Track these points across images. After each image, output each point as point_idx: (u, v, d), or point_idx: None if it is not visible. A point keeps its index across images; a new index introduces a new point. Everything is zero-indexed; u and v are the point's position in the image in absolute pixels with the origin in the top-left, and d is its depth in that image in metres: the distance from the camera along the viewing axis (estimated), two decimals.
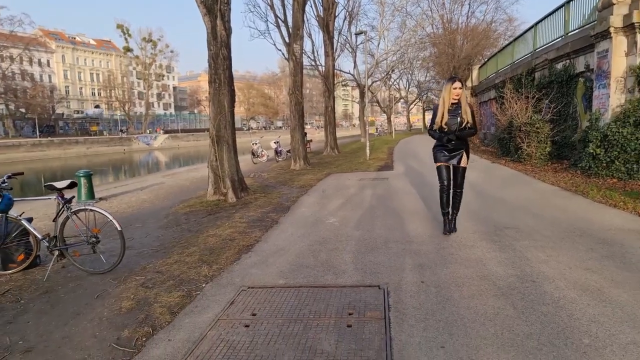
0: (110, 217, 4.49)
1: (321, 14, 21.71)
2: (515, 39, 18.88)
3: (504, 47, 21.32)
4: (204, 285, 4.08)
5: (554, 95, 12.86)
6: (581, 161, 9.86)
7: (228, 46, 8.57)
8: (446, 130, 5.19)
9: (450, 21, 33.58)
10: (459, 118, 5.12)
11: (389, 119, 52.64)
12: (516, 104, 13.66)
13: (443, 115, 5.16)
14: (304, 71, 28.30)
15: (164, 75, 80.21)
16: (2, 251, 4.76)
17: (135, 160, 42.70)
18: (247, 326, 3.14)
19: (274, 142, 21.00)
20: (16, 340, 3.16)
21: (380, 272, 4.15)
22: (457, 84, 5.10)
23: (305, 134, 21.60)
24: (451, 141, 5.21)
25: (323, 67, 23.32)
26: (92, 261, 4.77)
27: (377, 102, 52.74)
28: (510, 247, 4.75)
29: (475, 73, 26.91)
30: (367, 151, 18.83)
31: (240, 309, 3.45)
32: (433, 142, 5.50)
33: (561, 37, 12.91)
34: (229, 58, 8.62)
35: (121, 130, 66.11)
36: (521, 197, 7.70)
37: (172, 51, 76.38)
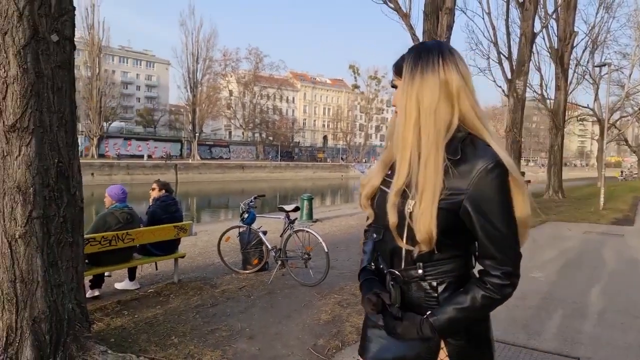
0: (320, 240, 5.26)
1: (555, 45, 19.86)
2: None
3: None
4: None
5: None
6: None
7: None
8: (374, 235, 1.43)
9: None
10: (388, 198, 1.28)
11: None
12: None
13: (372, 177, 1.40)
14: (531, 104, 26.14)
15: (383, 110, 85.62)
16: (244, 254, 6.08)
17: (350, 186, 46.59)
18: None
19: None
20: (244, 327, 4.03)
21: (584, 343, 3.65)
22: (395, 78, 1.33)
23: (523, 173, 19.85)
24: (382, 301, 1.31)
25: (552, 101, 21.15)
26: (304, 274, 5.61)
27: (625, 140, 44.19)
28: None
29: None
30: (602, 198, 16.03)
31: None
32: None
33: None
34: None
35: (342, 158, 73.36)
36: None
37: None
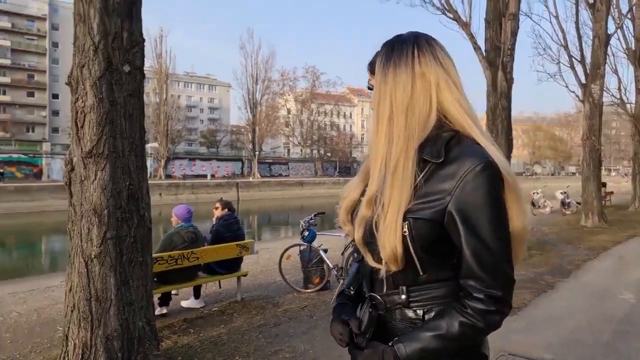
0: None
1: (632, 46, 18.40)
2: None
3: None
4: None
5: None
6: None
7: (508, 97, 8.42)
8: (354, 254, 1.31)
9: None
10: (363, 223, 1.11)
11: None
12: None
13: (351, 190, 1.22)
14: (609, 109, 24.26)
15: None
16: (305, 273, 6.04)
17: None
18: None
19: (561, 192, 18.63)
20: (307, 349, 3.96)
21: None
22: (370, 78, 1.18)
23: (604, 184, 18.32)
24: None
25: (632, 106, 19.50)
26: None
27: None
28: None
29: None
30: None
31: None
32: None
33: None
34: (507, 108, 8.46)
35: None
36: None
37: None
